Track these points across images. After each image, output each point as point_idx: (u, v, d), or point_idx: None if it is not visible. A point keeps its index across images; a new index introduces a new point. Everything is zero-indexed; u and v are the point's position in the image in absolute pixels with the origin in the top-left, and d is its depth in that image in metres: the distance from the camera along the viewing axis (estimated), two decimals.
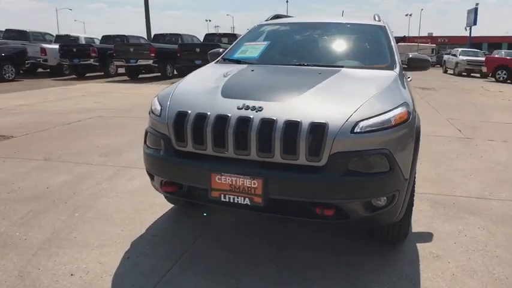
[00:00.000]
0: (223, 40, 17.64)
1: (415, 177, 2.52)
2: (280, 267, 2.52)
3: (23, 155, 4.96)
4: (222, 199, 2.20)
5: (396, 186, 2.19)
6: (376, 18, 3.91)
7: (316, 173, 2.07)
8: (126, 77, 16.41)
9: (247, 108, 2.21)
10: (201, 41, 18.86)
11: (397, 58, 3.17)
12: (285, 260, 2.59)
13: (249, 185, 2.11)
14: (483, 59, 21.00)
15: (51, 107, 8.73)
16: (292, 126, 2.08)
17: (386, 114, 2.20)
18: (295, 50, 3.52)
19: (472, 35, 37.85)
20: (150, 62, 15.17)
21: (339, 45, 3.58)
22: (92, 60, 15.84)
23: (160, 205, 3.41)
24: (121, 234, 2.94)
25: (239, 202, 2.16)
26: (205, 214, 2.56)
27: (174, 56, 15.37)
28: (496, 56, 20.84)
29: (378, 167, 2.12)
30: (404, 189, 2.28)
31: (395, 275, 2.44)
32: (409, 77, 4.16)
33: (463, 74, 22.66)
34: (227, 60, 3.51)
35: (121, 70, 17.49)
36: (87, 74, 17.45)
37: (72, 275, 2.43)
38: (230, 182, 2.15)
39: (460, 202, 3.59)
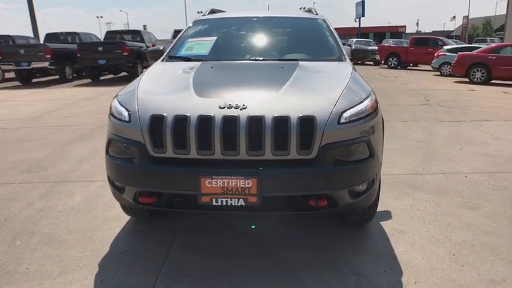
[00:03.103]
0: (126, 37, 16.67)
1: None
2: (266, 263, 2.50)
3: None
4: (214, 203, 2.10)
5: (375, 170, 2.33)
6: (313, 12, 4.06)
7: (307, 166, 2.09)
8: (17, 83, 14.56)
9: (230, 106, 2.13)
10: (101, 39, 17.57)
11: (344, 50, 3.34)
12: (267, 256, 2.58)
13: (243, 186, 2.05)
14: (376, 47, 23.19)
15: None
16: (281, 121, 2.07)
17: (362, 103, 2.31)
18: (245, 45, 3.49)
19: (360, 26, 41.45)
20: (46, 64, 13.62)
21: (288, 39, 3.64)
22: None
23: (114, 219, 3.14)
24: (83, 256, 2.64)
25: (233, 204, 2.09)
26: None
27: (73, 56, 14.04)
28: (386, 44, 23.21)
29: (360, 155, 2.23)
30: (380, 172, 2.44)
31: (373, 253, 2.60)
32: None
33: (358, 62, 24.75)
34: (174, 58, 3.34)
35: (9, 75, 15.47)
36: None
37: None
38: (222, 185, 2.06)
39: (401, 179, 3.95)
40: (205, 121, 2.08)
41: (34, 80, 15.30)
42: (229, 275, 2.39)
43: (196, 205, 2.13)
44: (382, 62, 21.54)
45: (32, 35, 21.77)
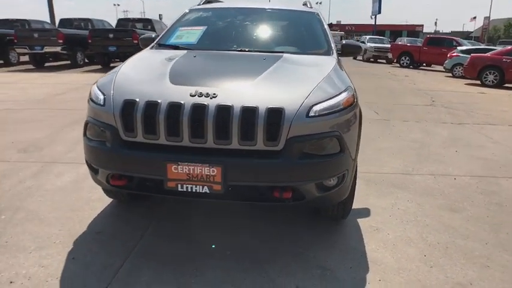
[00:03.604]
0: (137, 25, 16.75)
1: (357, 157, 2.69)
2: (234, 252, 2.53)
3: None
4: (179, 189, 2.13)
5: (346, 166, 2.33)
6: (308, 5, 4.03)
7: (274, 157, 2.11)
8: (31, 66, 14.81)
9: (201, 95, 2.15)
10: (113, 26, 17.71)
11: (332, 44, 3.32)
12: (238, 246, 2.61)
13: (208, 173, 2.08)
14: (389, 46, 22.88)
15: None
16: (249, 112, 2.08)
17: (335, 98, 2.30)
18: (233, 35, 3.49)
19: (376, 23, 40.88)
20: (58, 48, 13.82)
21: (277, 31, 3.63)
22: None
23: (97, 200, 3.21)
24: (60, 234, 2.71)
25: (197, 191, 2.12)
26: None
27: (85, 42, 14.20)
28: (400, 43, 22.87)
29: (330, 149, 2.23)
30: (352, 168, 2.44)
31: (343, 249, 2.61)
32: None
33: (371, 60, 24.49)
34: (163, 46, 3.37)
35: (24, 58, 15.74)
36: None
37: (11, 282, 2.20)
38: (187, 171, 2.09)
39: (388, 178, 3.93)
40: (174, 108, 2.11)
41: (47, 64, 15.55)
42: (197, 261, 2.43)
43: (163, 190, 2.17)
44: (395, 60, 21.26)
45: (48, 20, 22.07)
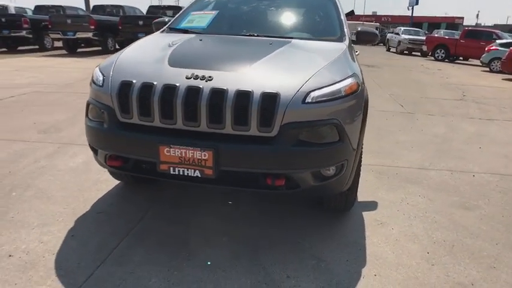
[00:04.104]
0: (168, 13, 16.86)
1: (362, 148, 2.59)
2: (231, 239, 2.51)
3: None
4: (171, 172, 2.12)
5: (345, 156, 2.24)
6: None
7: (267, 143, 2.05)
8: (64, 51, 15.30)
9: (197, 77, 2.12)
10: (144, 13, 17.96)
11: (346, 31, 3.20)
12: (235, 233, 2.59)
13: (199, 157, 2.06)
14: (424, 38, 22.01)
15: None
16: (243, 96, 2.03)
17: (336, 84, 2.21)
18: (245, 20, 3.44)
19: (413, 15, 39.43)
20: (90, 34, 14.18)
21: (290, 16, 3.54)
22: (24, 32, 14.48)
23: (105, 182, 3.27)
24: (64, 212, 2.78)
25: (189, 175, 2.10)
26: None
27: (116, 28, 14.50)
28: (436, 35, 21.96)
29: (327, 137, 2.15)
30: (353, 159, 2.34)
31: (343, 241, 2.54)
32: (356, 51, 4.25)
33: (405, 52, 23.65)
34: (173, 30, 3.36)
35: (58, 44, 16.27)
36: (20, 48, 16.01)
37: (10, 256, 2.27)
38: (179, 155, 2.08)
39: (402, 172, 3.78)
40: (169, 90, 2.09)
41: (79, 50, 16.00)
42: (192, 246, 2.43)
43: (156, 172, 2.17)
44: (430, 53, 20.45)
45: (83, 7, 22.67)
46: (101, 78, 2.34)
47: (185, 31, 3.25)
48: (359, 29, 3.39)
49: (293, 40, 2.91)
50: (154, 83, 2.13)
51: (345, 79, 2.28)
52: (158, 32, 3.39)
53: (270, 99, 2.03)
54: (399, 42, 23.80)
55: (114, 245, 2.40)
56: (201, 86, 2.07)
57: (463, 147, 4.71)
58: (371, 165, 3.90)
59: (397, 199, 3.19)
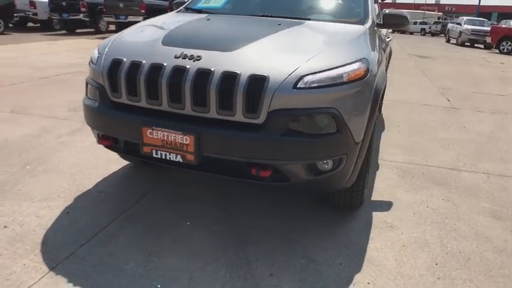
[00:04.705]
0: None
1: (370, 142, 2.34)
2: (222, 229, 2.40)
3: None
4: (154, 155, 2.04)
5: (344, 149, 2.03)
6: None
7: (253, 131, 1.90)
8: None
9: (185, 57, 2.00)
10: None
11: (371, 13, 2.91)
12: (229, 223, 2.47)
13: (181, 141, 1.95)
14: (489, 28, 20.21)
15: (34, 61, 8.43)
16: (229, 78, 1.88)
17: (338, 69, 1.99)
18: (262, 1, 3.25)
19: (481, 4, 36.44)
20: (140, 19, 14.55)
21: None
22: (81, 15, 15.23)
23: (114, 162, 3.27)
24: (68, 188, 2.82)
25: (171, 159, 2.00)
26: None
27: (165, 13, 14.74)
28: (504, 26, 20.08)
29: (323, 128, 1.94)
30: (355, 153, 2.12)
31: (342, 242, 2.33)
32: (389, 37, 3.91)
33: (466, 44, 21.86)
34: (189, 10, 3.25)
35: (112, 27, 16.90)
36: (78, 30, 16.84)
37: (5, 227, 2.32)
38: (162, 137, 1.98)
39: (430, 172, 3.44)
40: (155, 69, 1.99)
41: None
42: (180, 232, 2.34)
43: (141, 154, 2.09)
44: (494, 45, 18.77)
45: None
46: (96, 56, 2.30)
47: (199, 11, 3.14)
48: (386, 11, 3.07)
49: (307, 21, 2.70)
50: (143, 61, 2.04)
51: (350, 63, 2.05)
52: (174, 12, 3.31)
53: (257, 83, 1.87)
54: (460, 33, 22.06)
55: (104, 225, 2.38)
56: (187, 66, 1.95)
57: (509, 149, 4.21)
58: (396, 162, 3.59)
59: (416, 201, 2.90)
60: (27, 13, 15.85)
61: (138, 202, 2.68)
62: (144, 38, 2.36)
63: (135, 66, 2.05)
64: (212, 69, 1.91)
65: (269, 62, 1.97)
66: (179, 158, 1.99)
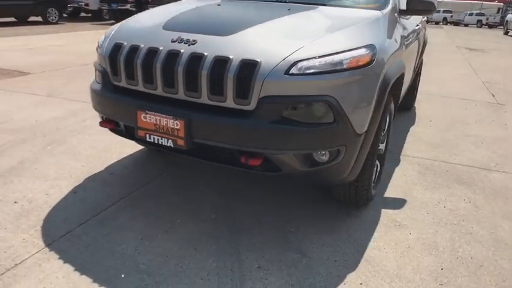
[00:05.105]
0: None
1: (377, 134, 2.19)
2: (220, 217, 2.37)
3: (30, 90, 5.05)
4: (147, 139, 2.03)
5: (342, 140, 1.91)
6: None
7: (243, 117, 1.83)
8: None
9: (181, 41, 1.97)
10: None
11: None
12: (227, 212, 2.43)
13: (172, 126, 1.92)
14: None
15: (80, 48, 8.83)
16: (220, 63, 1.83)
17: (338, 55, 1.87)
18: None
19: None
20: None
21: None
22: (128, 5, 15.86)
23: (131, 145, 3.32)
24: (80, 169, 2.91)
25: (163, 144, 1.99)
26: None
27: None
28: None
29: (319, 117, 1.84)
30: (357, 146, 1.99)
31: (342, 238, 2.22)
32: (417, 25, 3.65)
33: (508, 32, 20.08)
34: None
35: None
36: None
37: (15, 202, 2.44)
38: (154, 122, 1.97)
39: (455, 170, 3.20)
40: (151, 53, 1.98)
41: None
42: (178, 218, 2.34)
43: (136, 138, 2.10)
44: None
45: None
46: (102, 40, 2.33)
47: None
48: None
49: (321, 7, 2.57)
50: (141, 45, 2.03)
51: (352, 49, 1.92)
52: None
53: (248, 68, 1.79)
54: None
55: (106, 206, 2.43)
56: (182, 51, 1.92)
57: None
58: (420, 158, 3.38)
59: (432, 200, 2.70)
60: (79, 4, 16.74)
61: (144, 185, 2.71)
62: (149, 22, 2.35)
63: (134, 50, 2.05)
64: (205, 53, 1.86)
65: (264, 47, 1.89)
66: (170, 143, 1.97)
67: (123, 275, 1.86)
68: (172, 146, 1.97)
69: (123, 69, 2.08)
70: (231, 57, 1.82)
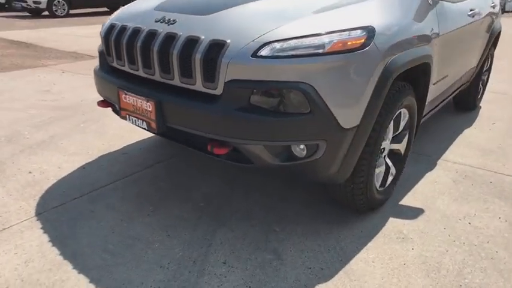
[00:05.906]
0: None
1: (379, 132, 1.91)
2: (208, 206, 2.29)
3: (90, 72, 5.44)
4: (128, 120, 2.02)
5: (321, 134, 1.69)
6: None
7: (209, 102, 1.71)
8: None
9: (163, 21, 1.91)
10: None
11: None
12: (218, 202, 2.34)
13: (146, 108, 1.88)
14: None
15: None
16: (190, 43, 1.73)
17: (321, 36, 1.65)
18: None
19: None
20: None
21: None
22: None
23: None
24: (99, 147, 3.03)
25: (140, 125, 1.96)
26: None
27: None
28: None
29: (290, 106, 1.65)
30: (343, 141, 1.76)
31: (328, 244, 1.99)
32: (473, 9, 3.13)
33: None
34: None
35: None
36: None
37: (30, 172, 2.62)
38: (132, 103, 1.95)
39: (501, 183, 2.71)
40: (134, 34, 1.96)
41: None
42: (165, 202, 2.31)
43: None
44: None
45: None
46: (105, 24, 2.36)
47: None
48: None
49: None
50: (129, 25, 2.02)
51: (340, 30, 1.68)
52: None
53: (216, 49, 1.67)
54: None
55: (104, 184, 2.49)
56: (160, 31, 1.85)
57: None
58: (462, 165, 2.93)
59: (457, 214, 2.31)
60: None
61: (148, 167, 2.73)
62: (146, 4, 2.32)
63: (122, 30, 2.04)
64: (179, 33, 1.78)
65: (239, 27, 1.74)
66: (145, 125, 1.93)
67: (89, 252, 1.88)
68: (146, 128, 1.93)
69: (113, 49, 2.09)
70: (202, 37, 1.71)
